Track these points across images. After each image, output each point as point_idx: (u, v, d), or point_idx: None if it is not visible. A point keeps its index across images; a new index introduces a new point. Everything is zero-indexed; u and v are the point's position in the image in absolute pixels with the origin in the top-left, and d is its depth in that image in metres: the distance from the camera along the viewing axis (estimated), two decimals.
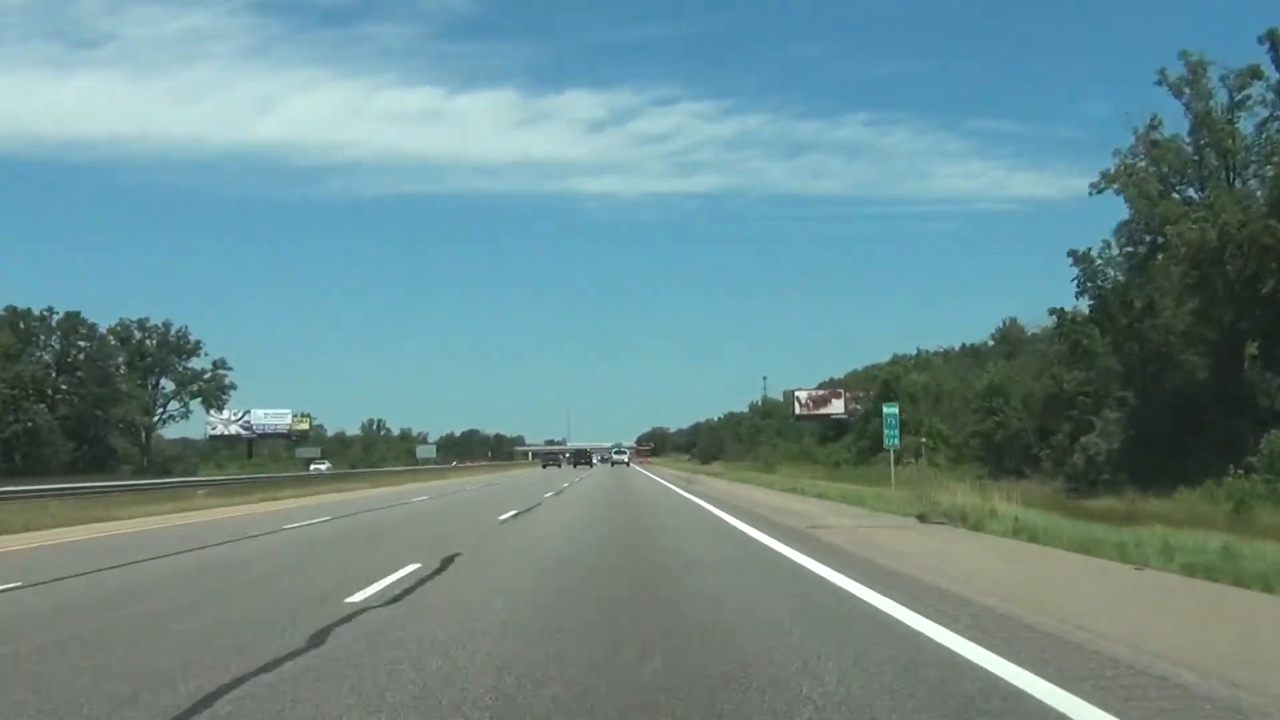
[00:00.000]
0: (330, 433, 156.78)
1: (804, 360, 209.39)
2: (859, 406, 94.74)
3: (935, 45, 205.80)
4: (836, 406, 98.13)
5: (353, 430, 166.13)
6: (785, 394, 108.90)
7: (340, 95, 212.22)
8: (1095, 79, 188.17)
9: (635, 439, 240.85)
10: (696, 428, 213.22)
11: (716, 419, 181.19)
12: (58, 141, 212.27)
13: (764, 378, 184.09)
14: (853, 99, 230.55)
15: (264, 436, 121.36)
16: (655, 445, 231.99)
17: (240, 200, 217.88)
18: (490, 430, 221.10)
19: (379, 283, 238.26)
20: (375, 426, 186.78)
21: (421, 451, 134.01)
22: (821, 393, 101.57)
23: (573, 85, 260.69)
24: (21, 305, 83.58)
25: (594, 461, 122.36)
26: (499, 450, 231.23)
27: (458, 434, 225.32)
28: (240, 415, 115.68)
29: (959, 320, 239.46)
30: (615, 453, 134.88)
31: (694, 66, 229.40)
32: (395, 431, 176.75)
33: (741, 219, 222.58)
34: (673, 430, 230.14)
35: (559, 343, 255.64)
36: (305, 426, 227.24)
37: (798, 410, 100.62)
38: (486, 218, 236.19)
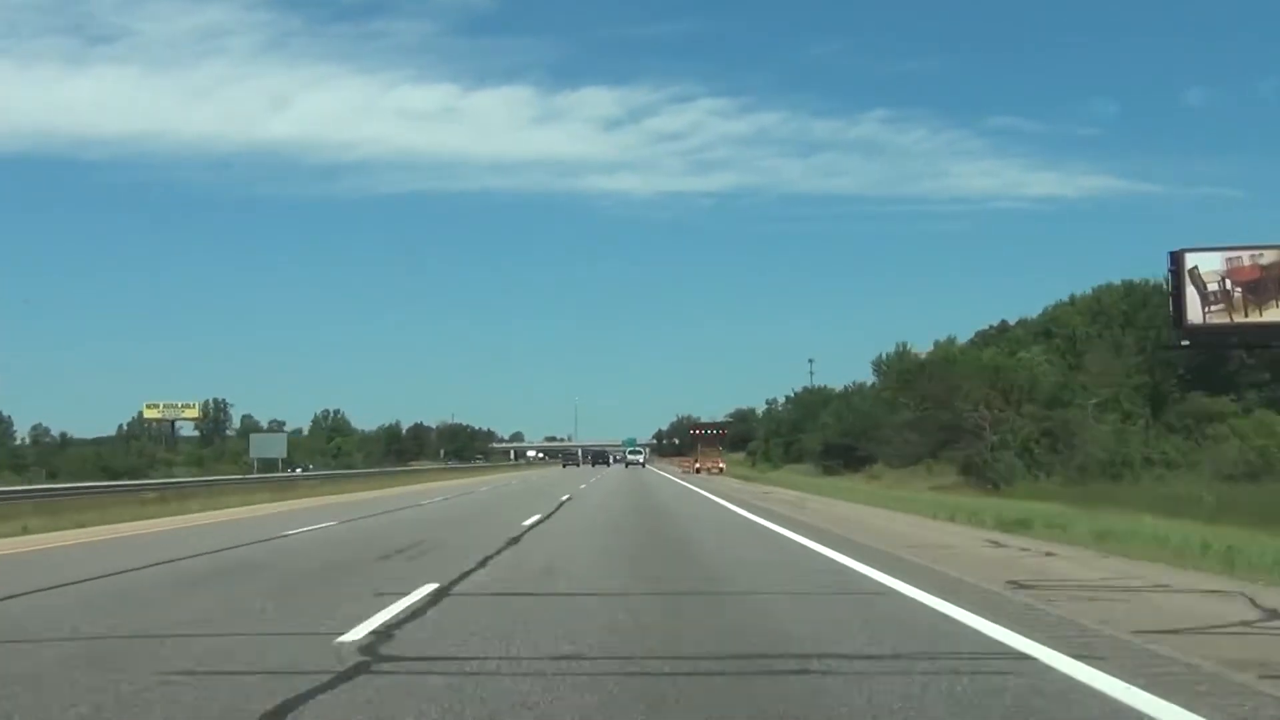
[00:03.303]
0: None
1: (811, 360, 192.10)
2: None
3: (954, 42, 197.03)
4: None
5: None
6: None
7: (355, 92, 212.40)
8: (1110, 78, 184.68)
9: (655, 433, 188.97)
10: (740, 418, 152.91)
11: (790, 395, 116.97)
12: (71, 138, 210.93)
13: (810, 360, 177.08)
14: (870, 97, 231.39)
15: None
16: (682, 443, 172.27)
17: (253, 197, 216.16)
18: (489, 426, 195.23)
19: (388, 280, 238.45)
20: (329, 419, 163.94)
21: (259, 447, 68.72)
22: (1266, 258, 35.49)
23: (589, 82, 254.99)
24: None
25: (610, 461, 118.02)
26: (469, 448, 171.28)
27: (408, 426, 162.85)
28: None
29: (969, 320, 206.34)
30: (630, 452, 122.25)
31: (711, 64, 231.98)
32: (356, 425, 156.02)
33: (757, 218, 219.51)
34: (705, 421, 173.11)
35: (571, 340, 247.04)
36: (195, 414, 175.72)
37: (1202, 315, 34.00)
38: (501, 215, 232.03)
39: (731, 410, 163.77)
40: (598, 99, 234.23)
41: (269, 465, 66.55)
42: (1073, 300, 76.74)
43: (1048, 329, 74.39)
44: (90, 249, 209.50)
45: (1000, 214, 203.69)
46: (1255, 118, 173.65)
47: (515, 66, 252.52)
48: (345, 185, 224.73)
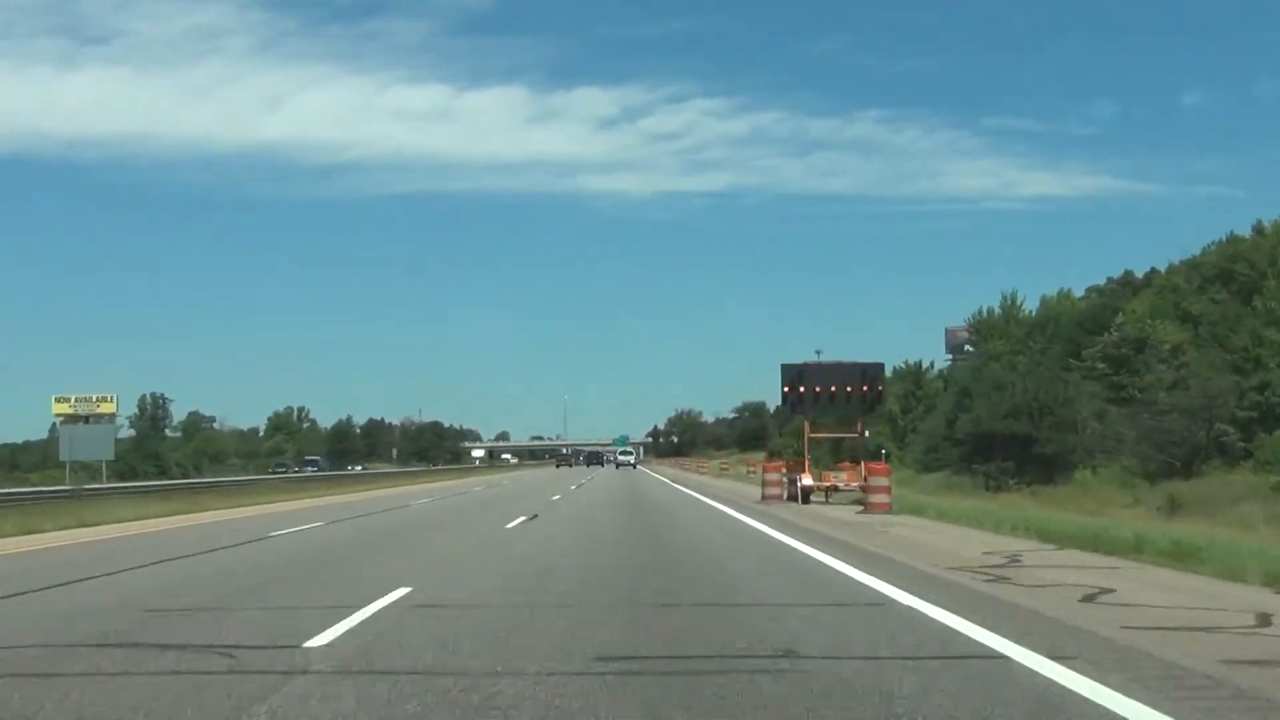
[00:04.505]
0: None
1: (819, 351, 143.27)
2: None
3: (952, 42, 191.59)
4: None
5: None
6: None
7: (351, 92, 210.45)
8: (1110, 78, 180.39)
9: (649, 431, 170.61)
10: (753, 412, 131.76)
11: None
12: (65, 139, 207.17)
13: (817, 351, 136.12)
14: (866, 96, 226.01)
15: None
16: (681, 441, 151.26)
17: (249, 197, 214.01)
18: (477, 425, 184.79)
19: (384, 279, 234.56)
20: (298, 416, 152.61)
21: (74, 446, 46.45)
22: None
23: (583, 82, 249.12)
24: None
25: (604, 462, 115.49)
26: (438, 447, 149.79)
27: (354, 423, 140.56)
28: None
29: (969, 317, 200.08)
30: (620, 452, 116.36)
31: (706, 63, 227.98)
32: (319, 422, 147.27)
33: (753, 218, 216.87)
34: (711, 420, 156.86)
35: (567, 340, 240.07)
36: (112, 409, 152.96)
37: None
38: (497, 215, 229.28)
39: (739, 404, 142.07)
40: (593, 99, 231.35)
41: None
42: (1260, 230, 55.02)
43: (1225, 270, 52.59)
44: (87, 250, 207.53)
45: (998, 214, 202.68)
46: (1254, 118, 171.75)
47: (511, 67, 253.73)
48: (341, 185, 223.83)
